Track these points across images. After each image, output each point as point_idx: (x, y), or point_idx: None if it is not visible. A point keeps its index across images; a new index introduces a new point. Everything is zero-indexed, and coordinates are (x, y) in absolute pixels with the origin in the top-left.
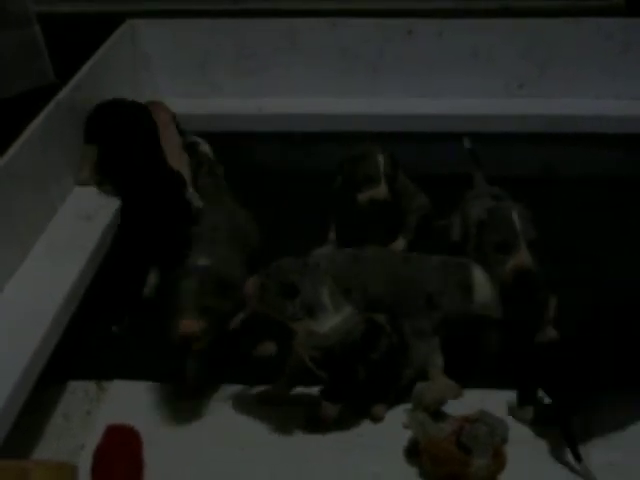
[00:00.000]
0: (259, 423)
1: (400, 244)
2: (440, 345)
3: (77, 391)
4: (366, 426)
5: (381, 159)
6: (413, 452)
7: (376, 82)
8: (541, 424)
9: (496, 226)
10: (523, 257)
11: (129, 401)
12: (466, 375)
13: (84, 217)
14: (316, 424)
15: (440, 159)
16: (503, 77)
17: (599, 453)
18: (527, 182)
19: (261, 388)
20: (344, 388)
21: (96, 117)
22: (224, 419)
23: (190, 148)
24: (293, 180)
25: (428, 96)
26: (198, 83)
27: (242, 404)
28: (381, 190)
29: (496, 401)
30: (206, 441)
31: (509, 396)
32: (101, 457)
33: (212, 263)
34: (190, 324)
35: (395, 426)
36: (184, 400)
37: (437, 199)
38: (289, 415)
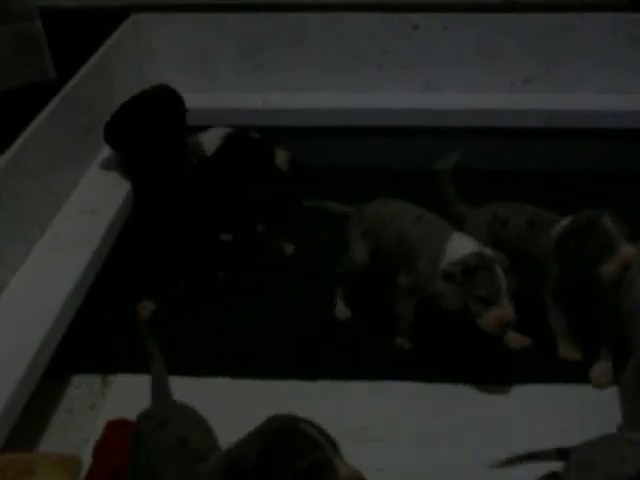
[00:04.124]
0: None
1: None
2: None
3: (82, 385)
4: (369, 420)
5: (609, 221)
6: None
7: (381, 77)
8: None
9: None
10: None
11: (133, 395)
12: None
13: (89, 211)
14: None
15: (444, 153)
16: (508, 72)
17: None
18: (532, 177)
19: None
20: None
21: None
22: (230, 414)
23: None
24: (300, 174)
25: (433, 91)
26: (203, 77)
27: (245, 398)
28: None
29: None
30: None
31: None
32: (101, 452)
33: None
34: None
35: (398, 420)
36: None
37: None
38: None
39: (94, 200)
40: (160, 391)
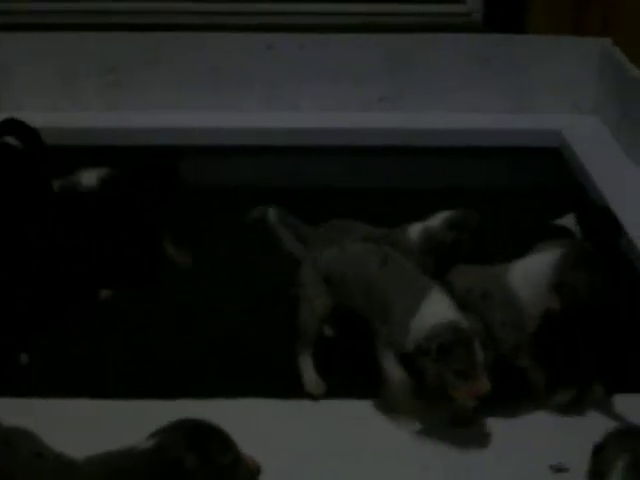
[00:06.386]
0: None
1: None
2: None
3: None
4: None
5: None
6: None
7: (240, 96)
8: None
9: None
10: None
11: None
12: None
13: None
14: None
15: (302, 172)
16: (363, 91)
17: None
18: (383, 194)
19: None
20: None
21: None
22: (85, 435)
23: None
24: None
25: (291, 109)
26: (62, 97)
27: (102, 418)
28: None
29: None
30: None
31: None
32: None
33: None
34: None
35: (266, 439)
36: None
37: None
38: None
39: None
40: None
